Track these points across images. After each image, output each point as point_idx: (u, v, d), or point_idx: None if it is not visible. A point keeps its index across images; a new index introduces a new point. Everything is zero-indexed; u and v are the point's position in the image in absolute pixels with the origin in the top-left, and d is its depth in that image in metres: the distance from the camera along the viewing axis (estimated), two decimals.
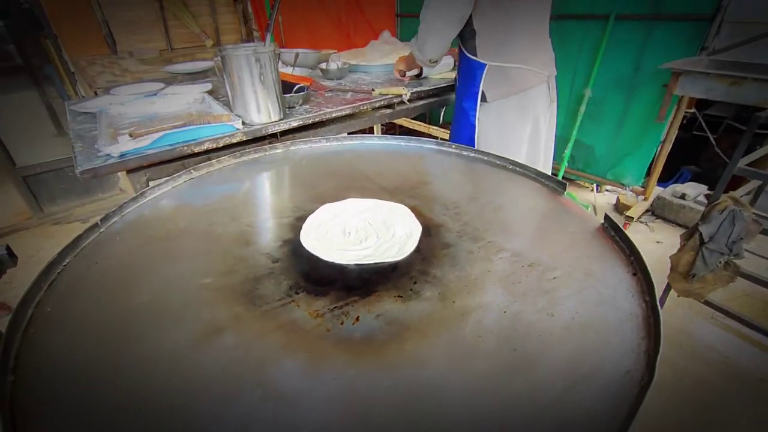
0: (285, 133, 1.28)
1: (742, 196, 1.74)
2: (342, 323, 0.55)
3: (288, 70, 1.76)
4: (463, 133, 1.48)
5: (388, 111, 1.52)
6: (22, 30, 2.57)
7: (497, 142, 1.45)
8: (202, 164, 1.00)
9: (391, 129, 3.89)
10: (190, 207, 0.89)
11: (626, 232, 2.57)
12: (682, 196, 2.56)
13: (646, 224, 2.61)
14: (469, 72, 1.40)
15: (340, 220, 0.85)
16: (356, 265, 0.71)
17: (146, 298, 0.60)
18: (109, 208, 0.80)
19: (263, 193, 0.99)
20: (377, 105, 1.48)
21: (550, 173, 1.66)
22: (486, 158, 1.06)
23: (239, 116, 1.16)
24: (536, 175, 0.93)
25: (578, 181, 3.06)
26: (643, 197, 2.69)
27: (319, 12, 3.89)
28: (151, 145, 0.99)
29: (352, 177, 1.02)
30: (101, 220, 0.76)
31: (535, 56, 1.38)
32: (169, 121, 1.10)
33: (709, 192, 2.57)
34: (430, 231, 0.79)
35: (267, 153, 1.12)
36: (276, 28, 3.84)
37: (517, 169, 0.98)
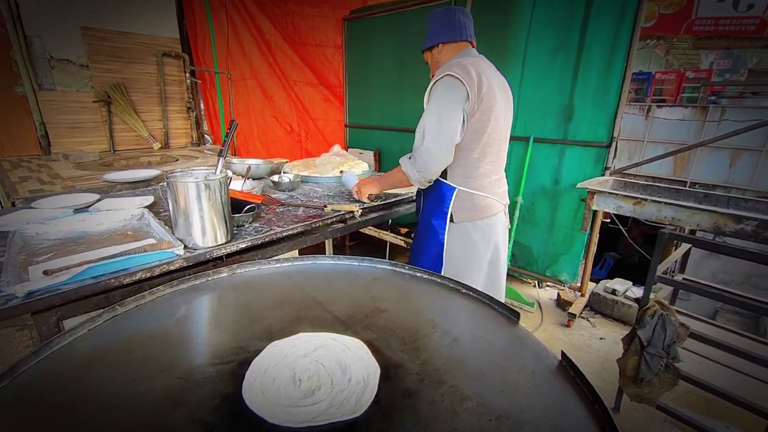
0: (231, 255, 1.21)
1: (665, 298, 1.91)
2: None
3: (239, 182, 1.76)
4: (431, 250, 1.50)
5: (340, 225, 1.54)
6: None
7: (462, 262, 1.49)
8: (131, 298, 0.89)
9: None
10: (109, 356, 0.75)
11: (571, 329, 2.57)
12: (613, 292, 2.77)
13: (588, 320, 2.74)
14: (439, 193, 1.48)
15: (289, 361, 0.77)
16: (308, 427, 0.62)
17: None
18: None
19: (201, 330, 0.88)
20: (329, 221, 1.49)
21: (504, 293, 1.72)
22: (440, 281, 1.07)
23: (181, 240, 1.08)
24: (490, 302, 0.95)
25: (521, 278, 3.22)
26: (580, 293, 2.86)
27: (272, 119, 4.13)
28: (70, 280, 0.86)
29: (303, 305, 0.96)
30: None
31: (498, 188, 1.52)
32: (99, 245, 1.00)
33: (634, 287, 2.81)
34: (389, 373, 0.74)
35: (209, 279, 1.03)
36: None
37: (471, 294, 0.99)
